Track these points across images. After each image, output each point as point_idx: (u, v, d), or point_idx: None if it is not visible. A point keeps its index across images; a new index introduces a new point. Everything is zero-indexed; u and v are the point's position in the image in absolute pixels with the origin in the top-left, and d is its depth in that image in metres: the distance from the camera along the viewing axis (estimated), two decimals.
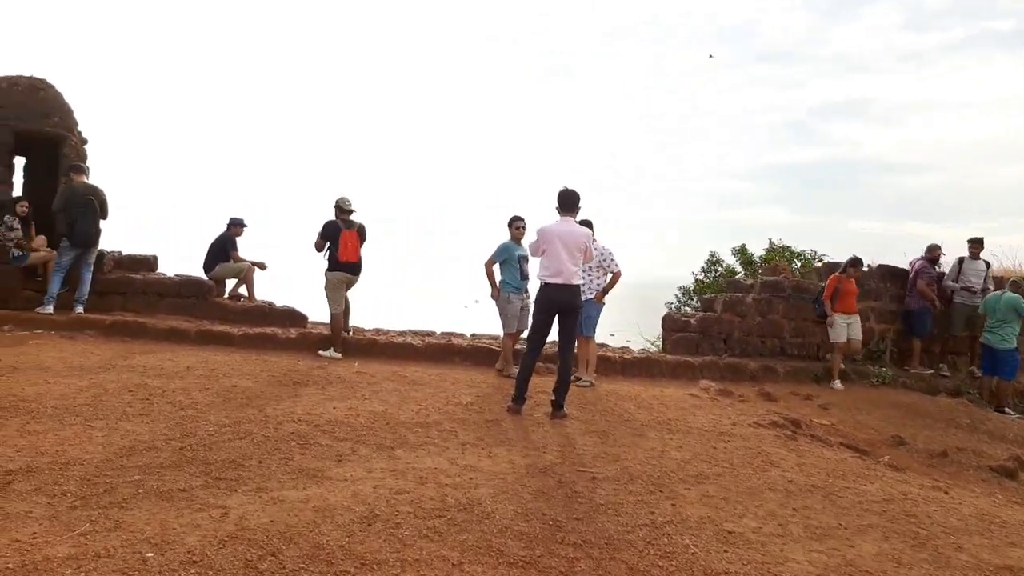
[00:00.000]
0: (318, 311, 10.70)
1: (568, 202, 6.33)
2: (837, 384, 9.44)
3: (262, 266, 10.67)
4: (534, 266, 8.74)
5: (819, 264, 12.40)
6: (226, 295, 10.50)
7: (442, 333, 10.61)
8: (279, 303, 10.37)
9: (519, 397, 6.32)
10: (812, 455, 5.97)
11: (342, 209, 8.69)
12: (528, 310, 8.49)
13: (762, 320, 10.31)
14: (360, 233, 8.80)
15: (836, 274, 9.84)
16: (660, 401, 7.62)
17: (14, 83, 9.67)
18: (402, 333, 10.23)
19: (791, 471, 5.34)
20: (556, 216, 6.42)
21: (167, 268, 10.80)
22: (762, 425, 6.91)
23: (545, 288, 6.26)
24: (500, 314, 8.38)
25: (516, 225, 8.34)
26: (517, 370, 8.21)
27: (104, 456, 4.16)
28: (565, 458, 5.08)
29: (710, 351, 10.10)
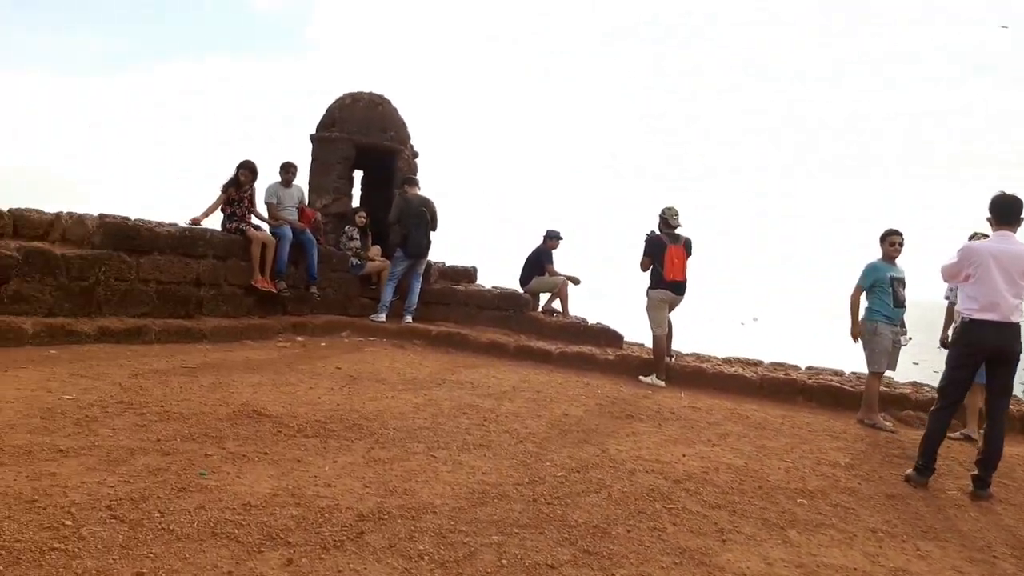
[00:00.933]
0: (633, 331, 9.92)
1: (1008, 212, 4.74)
2: None
3: (575, 280, 10.17)
4: (912, 295, 7.19)
5: None
6: (539, 309, 10.14)
7: (772, 363, 9.24)
8: (591, 320, 9.76)
9: (927, 467, 4.85)
10: None
11: (667, 222, 7.79)
12: (901, 345, 6.89)
13: None
14: (687, 248, 7.83)
15: None
16: None
17: (357, 99, 10.18)
18: (727, 361, 9.07)
19: None
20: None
21: (484, 280, 10.77)
22: None
23: (971, 326, 4.73)
24: (864, 348, 6.87)
25: (891, 240, 6.79)
26: (880, 419, 6.69)
27: (455, 503, 3.59)
28: None
29: None
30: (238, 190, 8.28)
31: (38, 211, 6.95)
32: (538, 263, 10.04)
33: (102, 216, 7.25)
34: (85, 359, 6.04)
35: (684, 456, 4.97)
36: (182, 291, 7.56)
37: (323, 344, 8.30)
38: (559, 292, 10.00)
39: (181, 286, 7.55)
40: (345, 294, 9.50)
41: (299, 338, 8.41)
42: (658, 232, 7.76)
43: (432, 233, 9.34)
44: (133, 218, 7.59)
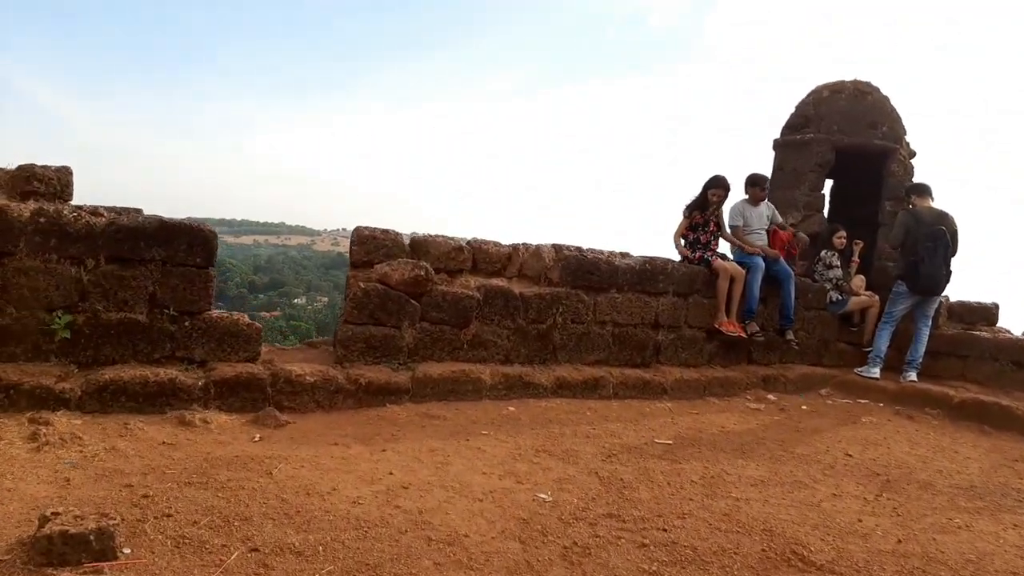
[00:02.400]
0: None
1: None
2: None
3: None
4: None
5: None
6: None
7: None
8: None
9: None
10: None
11: None
12: None
13: None
14: None
15: None
16: None
17: (837, 90, 8.16)
18: None
19: None
20: None
21: (1008, 322, 7.91)
22: None
23: None
24: None
25: None
26: None
27: None
28: None
29: None
30: (703, 212, 6.86)
31: (495, 243, 6.34)
32: None
33: (557, 247, 6.41)
34: (546, 423, 5.09)
35: None
36: (639, 335, 6.38)
37: (804, 407, 6.48)
38: None
39: (638, 329, 6.38)
40: (820, 337, 7.53)
41: (771, 396, 6.70)
42: None
43: (952, 260, 6.90)
44: (585, 248, 6.65)
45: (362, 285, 5.25)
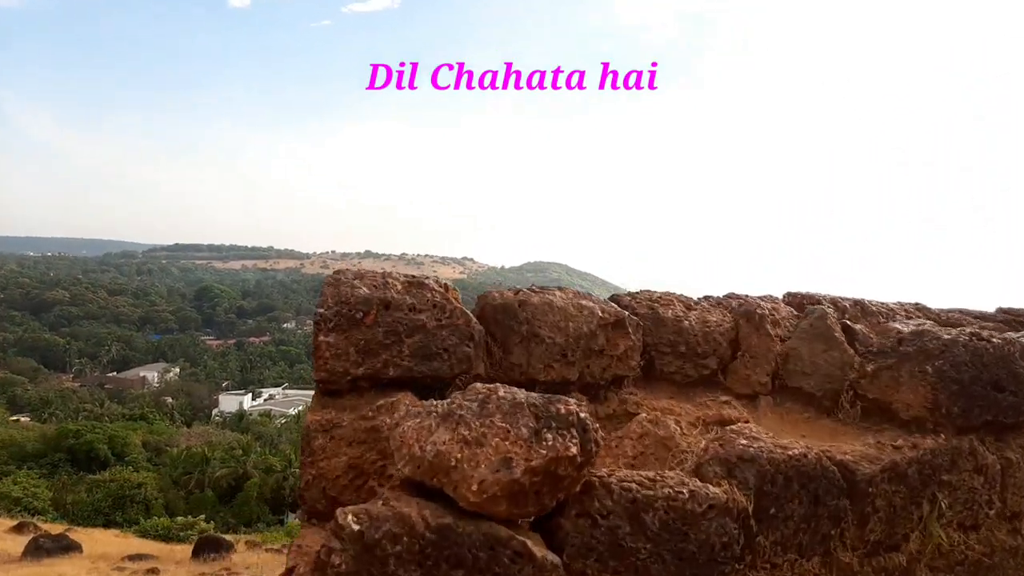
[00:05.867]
0: None
1: None
2: None
3: None
4: None
5: None
6: None
7: None
8: None
9: None
10: None
11: None
12: None
13: None
14: None
15: None
16: None
17: None
18: None
19: None
20: None
21: None
22: None
23: None
24: None
25: None
26: None
27: None
28: None
29: None
30: None
31: (681, 299, 2.41)
32: None
33: (821, 304, 2.54)
34: None
35: None
36: None
37: None
38: None
39: None
40: None
41: None
42: None
43: None
44: (892, 304, 2.77)
45: (354, 525, 1.30)
